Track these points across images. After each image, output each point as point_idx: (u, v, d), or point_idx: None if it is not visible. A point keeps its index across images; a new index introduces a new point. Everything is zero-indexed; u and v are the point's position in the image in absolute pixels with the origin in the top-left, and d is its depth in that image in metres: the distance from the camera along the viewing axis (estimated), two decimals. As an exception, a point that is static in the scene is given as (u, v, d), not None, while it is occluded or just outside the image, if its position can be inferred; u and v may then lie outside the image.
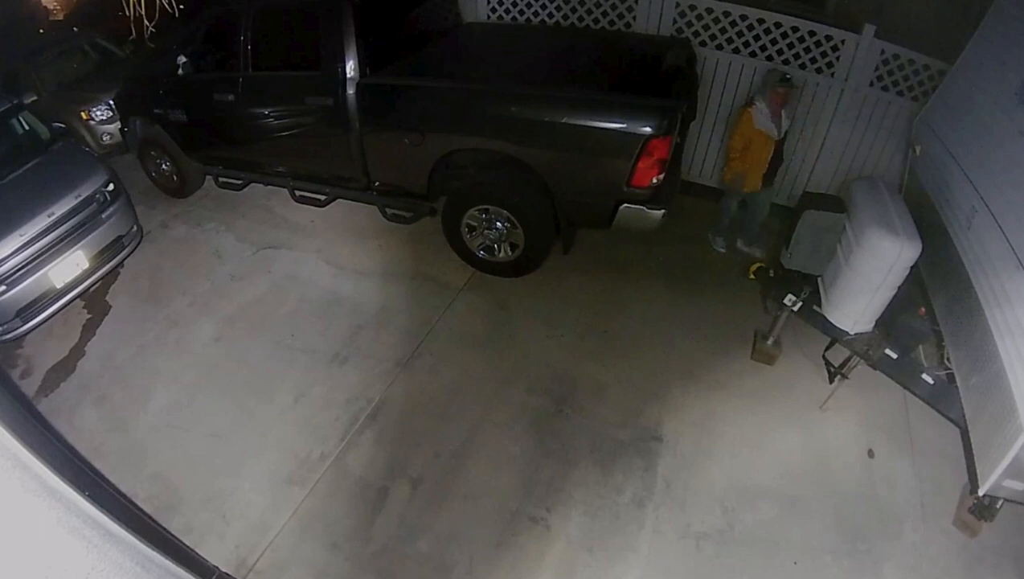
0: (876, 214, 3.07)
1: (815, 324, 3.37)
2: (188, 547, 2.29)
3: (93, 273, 4.14)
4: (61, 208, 3.92)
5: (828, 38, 4.13)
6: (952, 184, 3.08)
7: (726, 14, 4.33)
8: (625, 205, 3.50)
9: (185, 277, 4.41)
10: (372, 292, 4.20)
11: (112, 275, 4.44)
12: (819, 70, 4.27)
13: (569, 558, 2.72)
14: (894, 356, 3.13)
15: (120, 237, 4.30)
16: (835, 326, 3.27)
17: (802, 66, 4.30)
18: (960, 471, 2.91)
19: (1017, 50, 2.88)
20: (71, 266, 3.97)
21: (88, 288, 4.16)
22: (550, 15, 4.95)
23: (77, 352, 3.89)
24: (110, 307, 4.25)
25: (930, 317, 3.18)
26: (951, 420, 2.91)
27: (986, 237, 2.68)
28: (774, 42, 4.28)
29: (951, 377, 2.92)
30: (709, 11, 4.40)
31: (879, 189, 3.31)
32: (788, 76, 3.66)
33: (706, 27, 4.44)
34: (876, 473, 3.04)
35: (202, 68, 4.45)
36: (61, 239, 3.90)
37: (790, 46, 4.25)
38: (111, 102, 5.56)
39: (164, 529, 2.46)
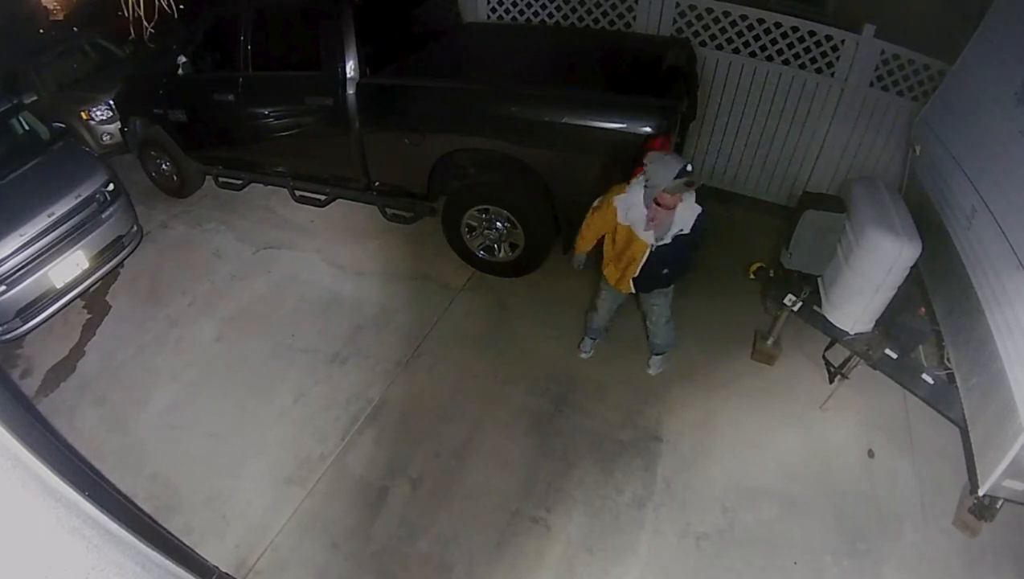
0: (876, 214, 3.06)
1: (815, 324, 3.37)
2: (188, 547, 2.29)
3: (93, 273, 4.14)
4: (61, 208, 3.92)
5: (828, 38, 4.14)
6: (952, 184, 3.07)
7: (726, 14, 4.34)
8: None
9: (185, 277, 4.41)
10: (372, 292, 4.20)
11: (112, 275, 4.44)
12: (819, 70, 4.27)
13: (569, 558, 2.72)
14: (894, 356, 3.12)
15: (120, 237, 4.31)
16: (835, 326, 3.26)
17: (802, 66, 4.30)
18: (960, 471, 2.91)
19: (1017, 50, 2.87)
20: (71, 266, 3.97)
21: (88, 288, 4.16)
22: (550, 15, 4.95)
23: (77, 352, 3.89)
24: (110, 307, 4.25)
25: (930, 317, 3.18)
26: (951, 420, 2.90)
27: (986, 237, 2.68)
28: (774, 42, 4.28)
29: (951, 377, 2.92)
30: (709, 11, 4.40)
31: (879, 189, 3.30)
32: (690, 167, 2.53)
33: (706, 27, 4.44)
34: (876, 473, 3.04)
35: (202, 68, 4.46)
36: (61, 239, 3.90)
37: (790, 46, 4.25)
38: (111, 102, 5.57)
39: (164, 529, 2.46)
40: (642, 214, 2.70)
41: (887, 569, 2.67)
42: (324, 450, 3.18)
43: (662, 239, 2.77)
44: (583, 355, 3.64)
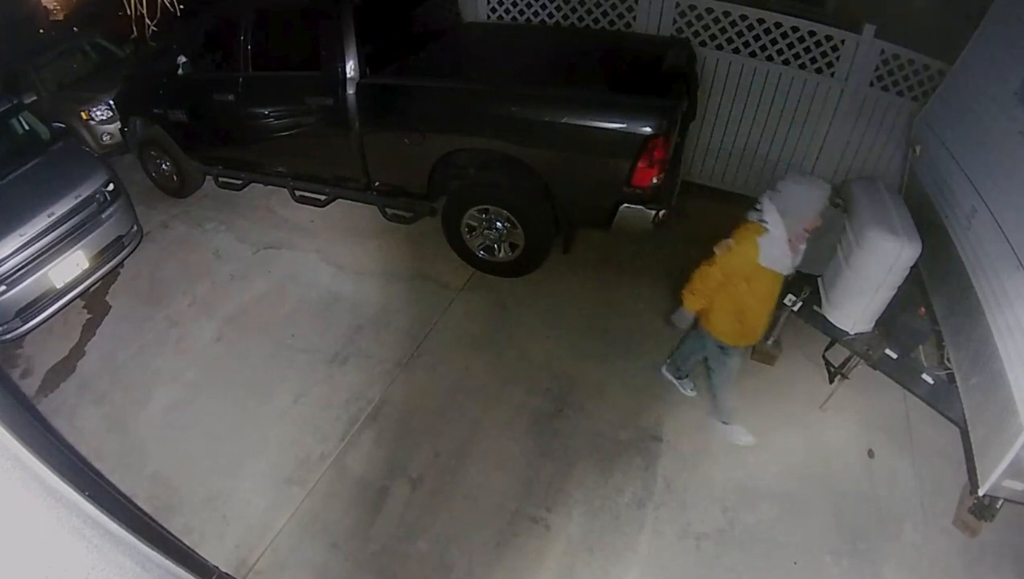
0: (876, 214, 3.06)
1: (815, 324, 3.37)
2: (188, 547, 2.29)
3: (93, 273, 4.14)
4: (61, 208, 3.92)
5: (828, 38, 4.14)
6: (952, 184, 3.07)
7: (726, 14, 4.34)
8: (625, 205, 3.50)
9: (185, 277, 4.41)
10: (372, 292, 4.20)
11: (112, 275, 4.45)
12: (819, 70, 4.27)
13: (569, 558, 2.72)
14: (894, 356, 3.12)
15: (120, 237, 4.31)
16: (835, 326, 3.26)
17: (802, 66, 4.30)
18: (960, 471, 2.91)
19: (1017, 50, 2.88)
20: (71, 266, 3.97)
21: (88, 288, 4.16)
22: (550, 15, 4.95)
23: (77, 352, 3.89)
24: (110, 307, 4.25)
25: (930, 317, 3.18)
26: (951, 420, 2.91)
27: (986, 237, 2.68)
28: (774, 42, 4.28)
29: (951, 377, 2.92)
30: (709, 11, 4.40)
31: (879, 189, 3.30)
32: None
33: (706, 27, 4.44)
34: (876, 473, 3.04)
35: (202, 68, 4.46)
36: (61, 239, 3.90)
37: (790, 46, 4.25)
38: (111, 102, 5.57)
39: (164, 529, 2.45)
40: (783, 248, 2.42)
41: (887, 569, 2.67)
42: (324, 450, 3.18)
43: (793, 268, 2.56)
44: (689, 392, 3.36)
